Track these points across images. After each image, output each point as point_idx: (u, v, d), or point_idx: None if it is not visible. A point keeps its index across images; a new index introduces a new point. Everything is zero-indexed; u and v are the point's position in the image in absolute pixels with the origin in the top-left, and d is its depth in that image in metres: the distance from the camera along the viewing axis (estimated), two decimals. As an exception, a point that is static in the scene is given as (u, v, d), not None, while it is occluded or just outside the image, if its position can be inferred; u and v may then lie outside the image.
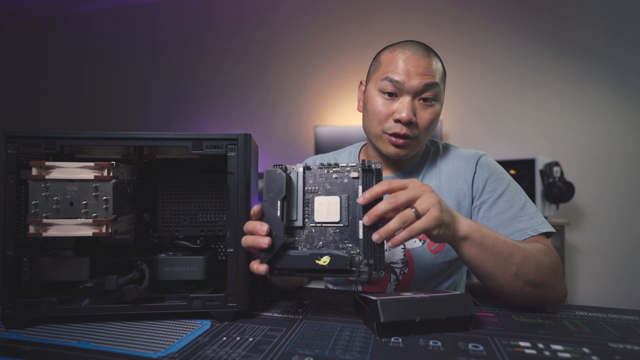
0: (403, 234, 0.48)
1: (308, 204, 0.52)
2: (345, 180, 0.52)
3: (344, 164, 0.53)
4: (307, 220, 0.52)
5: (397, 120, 0.70)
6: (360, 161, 0.60)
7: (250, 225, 0.50)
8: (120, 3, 3.06)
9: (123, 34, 3.10)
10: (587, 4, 2.30)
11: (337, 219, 0.51)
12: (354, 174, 0.52)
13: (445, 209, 0.51)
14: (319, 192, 0.53)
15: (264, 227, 0.49)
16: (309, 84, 2.74)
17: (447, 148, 0.82)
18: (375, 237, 0.47)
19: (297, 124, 2.75)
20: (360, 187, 0.51)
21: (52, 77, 3.24)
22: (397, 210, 0.49)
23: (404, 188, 0.50)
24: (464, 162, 0.77)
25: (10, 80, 3.33)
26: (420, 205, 0.49)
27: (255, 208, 0.50)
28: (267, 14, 2.82)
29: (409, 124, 0.70)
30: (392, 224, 0.47)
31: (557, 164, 2.05)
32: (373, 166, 0.52)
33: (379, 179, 0.52)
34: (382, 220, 0.49)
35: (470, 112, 2.46)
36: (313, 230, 0.51)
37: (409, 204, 0.49)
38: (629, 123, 2.24)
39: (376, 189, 0.49)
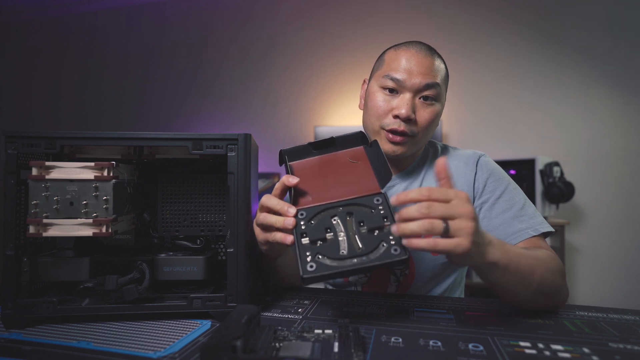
0: (422, 243, 0.42)
1: None
2: None
3: None
4: None
5: (395, 117, 0.70)
6: None
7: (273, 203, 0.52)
8: (122, 3, 3.06)
9: (124, 34, 3.09)
10: (586, 6, 2.30)
11: None
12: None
13: (477, 241, 0.45)
14: None
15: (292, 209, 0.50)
16: (309, 84, 2.74)
17: (445, 149, 0.83)
18: (393, 228, 0.45)
19: (297, 124, 2.74)
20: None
21: (52, 76, 3.24)
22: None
23: (445, 202, 0.45)
24: (464, 162, 0.78)
25: (13, 79, 3.33)
26: (454, 225, 0.44)
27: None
28: (268, 16, 2.81)
29: (407, 120, 0.70)
30: (414, 225, 0.43)
31: (557, 164, 2.05)
32: None
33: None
34: None
35: (470, 112, 2.46)
36: None
37: (444, 219, 0.44)
38: (627, 123, 2.24)
39: (412, 194, 0.45)
